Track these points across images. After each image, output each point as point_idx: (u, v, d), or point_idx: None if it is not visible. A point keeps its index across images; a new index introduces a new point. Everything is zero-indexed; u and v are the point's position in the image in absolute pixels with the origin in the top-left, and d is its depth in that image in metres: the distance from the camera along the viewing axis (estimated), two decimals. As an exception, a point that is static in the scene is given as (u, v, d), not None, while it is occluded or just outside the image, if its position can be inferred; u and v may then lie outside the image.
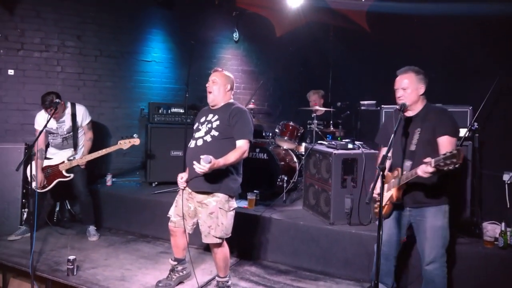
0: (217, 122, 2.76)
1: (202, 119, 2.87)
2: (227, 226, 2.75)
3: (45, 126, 3.44)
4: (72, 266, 3.14)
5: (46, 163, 3.93)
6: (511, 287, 2.86)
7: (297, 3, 5.16)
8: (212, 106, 2.88)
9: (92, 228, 4.09)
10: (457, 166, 2.10)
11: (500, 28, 3.76)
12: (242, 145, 2.70)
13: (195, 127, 2.90)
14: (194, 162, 2.48)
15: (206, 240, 2.76)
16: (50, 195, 4.12)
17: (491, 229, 3.16)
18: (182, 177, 2.80)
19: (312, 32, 5.83)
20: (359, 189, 3.53)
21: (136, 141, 3.92)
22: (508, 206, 3.48)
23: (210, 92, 2.84)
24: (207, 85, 2.87)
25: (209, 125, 2.78)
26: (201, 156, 2.46)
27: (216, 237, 2.73)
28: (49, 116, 3.53)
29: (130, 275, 3.25)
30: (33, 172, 3.81)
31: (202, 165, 2.44)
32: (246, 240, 3.73)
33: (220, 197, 2.73)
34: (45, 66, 4.82)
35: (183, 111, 4.95)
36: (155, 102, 5.06)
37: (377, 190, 2.64)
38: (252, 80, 6.14)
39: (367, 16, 5.30)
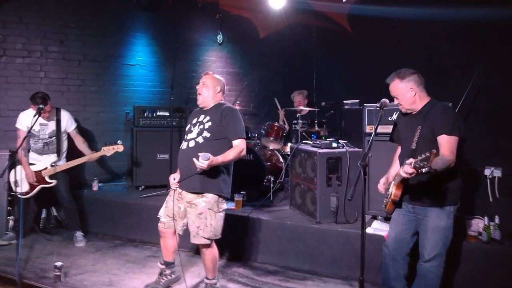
0: (209, 123, 2.78)
1: (194, 121, 2.90)
2: (216, 227, 2.76)
3: (31, 128, 3.41)
4: (59, 273, 3.12)
5: (35, 168, 3.88)
6: (495, 281, 2.93)
7: (279, 5, 5.20)
8: (203, 108, 2.92)
9: (79, 234, 4.06)
10: (426, 169, 2.09)
11: (476, 28, 3.87)
12: (239, 143, 2.73)
13: (187, 128, 2.93)
14: (194, 159, 2.50)
15: (194, 240, 2.76)
16: (34, 202, 4.07)
17: (475, 224, 3.22)
18: (174, 178, 2.82)
19: (295, 33, 5.88)
20: (345, 187, 3.58)
21: (119, 147, 3.89)
22: (491, 200, 3.57)
23: (199, 94, 2.89)
24: (197, 87, 2.91)
25: (201, 126, 2.80)
26: (199, 154, 2.50)
27: (205, 238, 2.73)
28: (36, 117, 3.46)
29: (117, 280, 3.24)
30: (17, 178, 3.79)
31: (201, 162, 2.48)
32: (233, 242, 3.74)
33: (209, 197, 2.74)
34: (28, 71, 4.76)
35: (168, 114, 4.94)
36: (140, 105, 5.05)
37: (384, 186, 2.69)
38: (236, 81, 6.16)
39: (348, 17, 5.38)
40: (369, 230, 3.34)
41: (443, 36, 4.22)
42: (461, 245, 3.07)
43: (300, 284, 3.26)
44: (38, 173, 3.87)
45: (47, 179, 3.87)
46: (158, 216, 2.96)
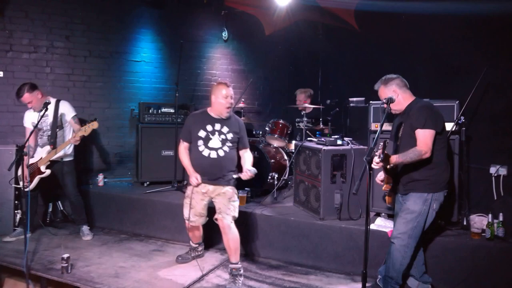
0: (231, 135, 3.22)
1: (209, 128, 3.19)
2: (237, 206, 3.29)
3: (37, 123, 3.50)
4: (66, 264, 3.19)
5: (31, 161, 3.88)
6: (498, 278, 2.95)
7: (285, 2, 5.19)
8: (224, 117, 3.22)
9: (85, 228, 4.12)
10: (381, 157, 2.46)
11: (485, 24, 3.84)
12: (250, 152, 3.38)
13: (202, 134, 3.19)
14: (250, 169, 3.11)
15: (227, 220, 3.14)
16: (40, 196, 4.08)
17: (478, 221, 3.25)
18: (197, 178, 3.18)
19: (301, 30, 5.88)
20: (349, 185, 3.60)
21: (94, 124, 3.74)
22: (495, 198, 3.57)
23: (230, 108, 3.20)
24: (229, 102, 3.16)
25: (223, 136, 3.20)
26: (250, 169, 3.13)
27: (235, 216, 3.22)
28: (42, 112, 3.51)
29: (123, 272, 3.29)
30: (20, 172, 3.83)
31: (251, 176, 3.12)
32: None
33: (231, 186, 3.25)
34: (34, 67, 4.79)
35: (173, 111, 4.98)
36: (145, 102, 5.08)
37: (380, 178, 2.92)
38: (241, 79, 6.17)
39: (355, 14, 5.36)
40: (372, 227, 3.36)
41: (451, 32, 4.18)
42: (464, 242, 3.10)
43: (303, 279, 3.29)
44: (34, 165, 3.85)
45: (41, 169, 3.84)
46: (185, 218, 3.30)
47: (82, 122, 4.15)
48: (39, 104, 3.87)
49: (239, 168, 3.31)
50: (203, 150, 3.18)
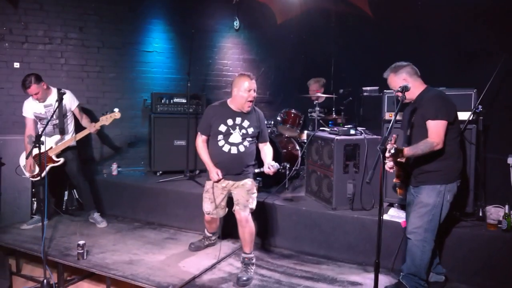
0: (252, 129, 3.09)
1: (230, 122, 3.05)
2: (255, 198, 3.22)
3: (53, 114, 3.53)
4: (82, 251, 3.26)
5: (36, 151, 3.90)
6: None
7: (297, -10, 5.12)
8: (240, 109, 3.07)
9: (97, 215, 4.19)
10: (392, 151, 2.36)
11: (504, 9, 3.71)
12: (270, 145, 3.27)
13: (222, 129, 3.05)
14: (273, 164, 3.01)
15: (244, 211, 3.09)
16: (52, 185, 4.14)
17: (495, 212, 3.19)
18: (218, 173, 3.08)
19: (313, 18, 5.78)
20: (362, 175, 3.57)
21: (116, 115, 3.82)
22: (513, 189, 3.48)
23: (251, 102, 3.03)
24: (251, 95, 2.99)
25: (244, 131, 3.07)
26: (273, 164, 3.02)
27: (253, 208, 3.16)
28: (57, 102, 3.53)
29: (137, 259, 3.35)
30: (23, 163, 3.94)
31: (273, 172, 3.03)
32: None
33: (251, 178, 3.20)
34: (49, 58, 4.85)
35: (185, 101, 4.99)
36: (158, 92, 5.11)
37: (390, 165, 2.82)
38: (253, 68, 6.11)
39: (369, 0, 5.24)
40: (385, 217, 3.33)
41: (468, 17, 4.03)
42: (480, 233, 3.05)
43: (315, 268, 3.29)
44: (43, 154, 3.85)
45: (54, 158, 3.89)
46: (206, 212, 3.27)
47: (84, 110, 4.23)
48: (44, 94, 3.93)
49: (259, 162, 3.23)
50: (223, 145, 3.06)
